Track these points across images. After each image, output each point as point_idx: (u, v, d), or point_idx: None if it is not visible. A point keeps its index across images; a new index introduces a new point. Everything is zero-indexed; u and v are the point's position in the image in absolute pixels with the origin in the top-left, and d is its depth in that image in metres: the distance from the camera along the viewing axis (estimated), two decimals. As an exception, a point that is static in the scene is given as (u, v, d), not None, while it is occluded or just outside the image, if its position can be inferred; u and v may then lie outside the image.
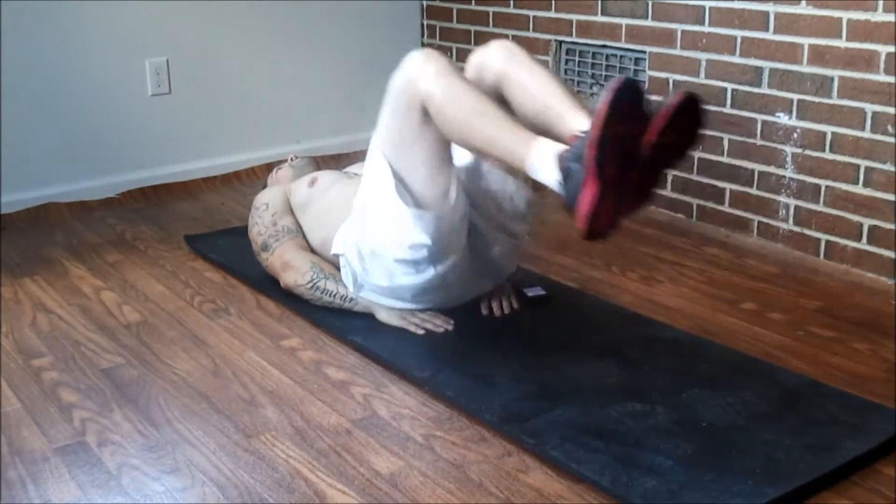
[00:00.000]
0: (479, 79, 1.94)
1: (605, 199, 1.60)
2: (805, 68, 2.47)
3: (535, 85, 1.89)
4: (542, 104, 1.86)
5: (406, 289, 2.01)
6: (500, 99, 1.91)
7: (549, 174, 1.69)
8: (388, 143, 1.94)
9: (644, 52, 2.90)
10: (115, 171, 3.14)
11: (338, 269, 2.15)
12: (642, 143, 1.59)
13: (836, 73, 2.40)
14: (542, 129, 1.80)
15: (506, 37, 3.35)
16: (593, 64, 3.12)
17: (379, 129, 1.97)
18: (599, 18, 3.02)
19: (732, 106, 2.66)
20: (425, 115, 1.86)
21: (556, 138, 1.74)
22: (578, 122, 1.74)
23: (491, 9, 3.40)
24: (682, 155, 1.66)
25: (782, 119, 2.55)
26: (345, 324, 2.10)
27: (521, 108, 1.89)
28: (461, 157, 2.00)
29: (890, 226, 2.34)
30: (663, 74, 2.85)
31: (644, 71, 2.93)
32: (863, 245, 2.41)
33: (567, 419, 1.69)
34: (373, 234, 1.97)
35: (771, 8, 2.52)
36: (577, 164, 1.62)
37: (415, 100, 1.86)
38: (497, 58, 1.95)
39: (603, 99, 1.55)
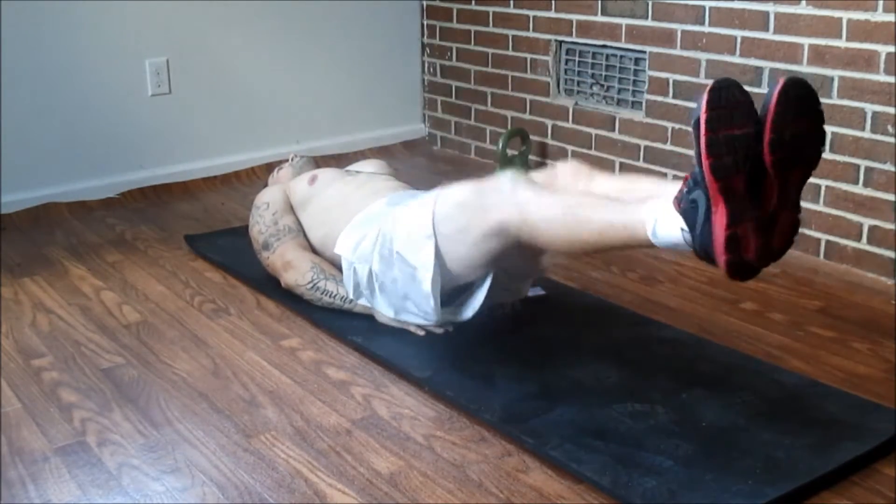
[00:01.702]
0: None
1: (741, 218, 1.43)
2: (805, 68, 2.47)
3: (614, 179, 1.84)
4: (628, 184, 1.79)
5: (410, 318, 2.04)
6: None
7: (671, 226, 1.51)
8: (445, 227, 1.84)
9: (644, 52, 2.90)
10: (115, 171, 3.14)
11: (338, 268, 2.15)
12: (764, 146, 1.42)
13: (836, 73, 2.40)
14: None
15: (505, 37, 3.36)
16: (593, 64, 3.12)
17: (441, 204, 1.85)
18: (599, 18, 3.02)
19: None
20: (500, 236, 1.75)
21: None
22: (676, 186, 1.57)
23: (491, 9, 3.40)
24: (812, 148, 1.46)
25: (782, 119, 2.55)
26: (345, 324, 2.10)
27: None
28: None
29: (890, 226, 2.34)
30: (663, 74, 2.85)
31: (644, 71, 2.93)
32: (863, 245, 2.41)
33: (567, 419, 1.69)
34: (391, 281, 1.98)
35: (771, 8, 2.52)
36: (696, 192, 1.46)
37: (492, 229, 1.75)
38: (566, 174, 1.91)
39: (702, 102, 1.42)
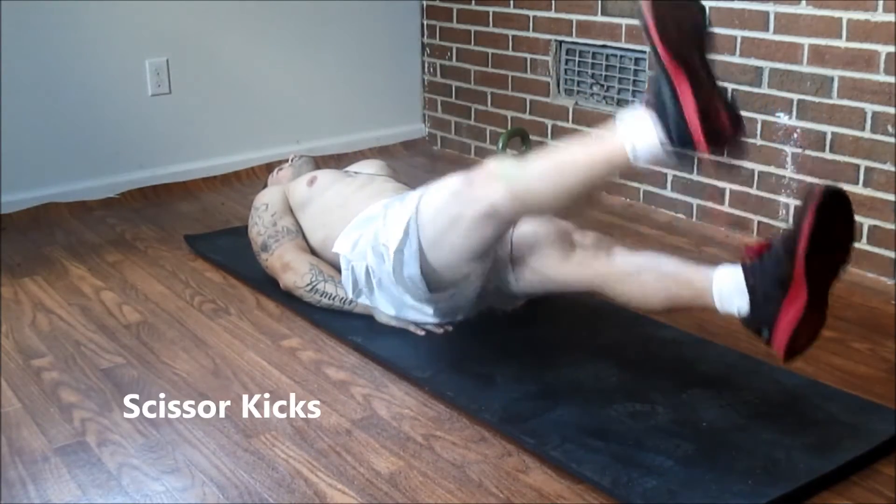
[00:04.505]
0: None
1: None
2: (805, 68, 2.47)
3: (637, 255, 1.90)
4: (651, 260, 1.87)
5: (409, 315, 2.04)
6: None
7: (647, 136, 1.57)
8: (440, 218, 1.85)
9: (644, 52, 2.90)
10: (115, 171, 3.14)
11: (337, 269, 2.15)
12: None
13: (836, 73, 2.40)
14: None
15: (505, 37, 3.36)
16: (593, 64, 3.12)
17: (432, 195, 1.88)
18: (599, 18, 3.02)
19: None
20: (493, 217, 1.77)
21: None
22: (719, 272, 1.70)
23: (491, 9, 3.39)
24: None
25: (782, 119, 2.55)
26: (345, 324, 2.09)
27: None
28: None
29: (890, 226, 2.34)
30: (663, 74, 2.84)
31: (644, 71, 2.93)
32: (863, 245, 2.40)
33: (567, 419, 1.69)
34: (387, 276, 1.98)
35: (771, 8, 2.52)
36: (658, 80, 1.54)
37: (485, 212, 1.76)
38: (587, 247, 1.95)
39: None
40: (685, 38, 1.53)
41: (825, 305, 1.60)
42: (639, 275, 1.83)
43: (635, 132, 1.58)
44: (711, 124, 1.50)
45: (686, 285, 1.75)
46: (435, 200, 1.86)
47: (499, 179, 1.73)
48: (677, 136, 1.52)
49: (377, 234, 1.99)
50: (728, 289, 1.66)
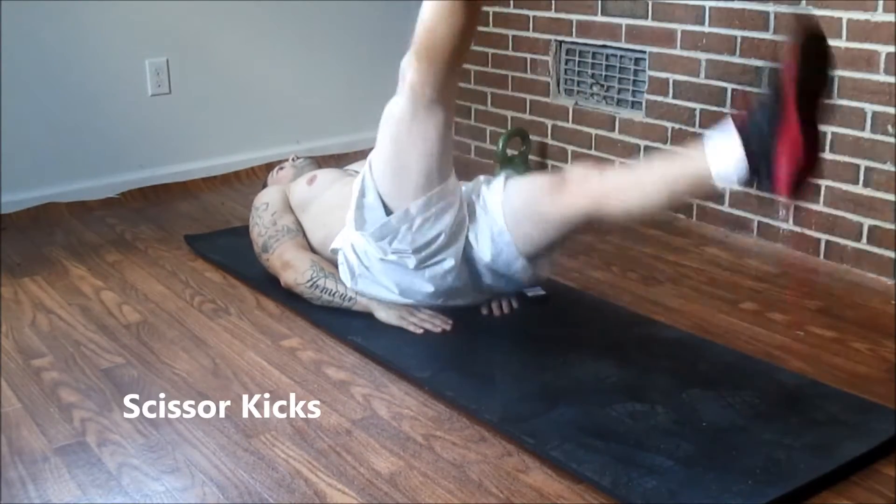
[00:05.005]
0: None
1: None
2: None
3: (624, 174, 1.95)
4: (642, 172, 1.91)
5: (403, 286, 2.02)
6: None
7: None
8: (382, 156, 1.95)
9: (644, 52, 2.90)
10: (115, 171, 3.14)
11: (337, 267, 2.15)
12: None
13: (836, 73, 2.39)
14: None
15: (505, 37, 3.36)
16: (593, 64, 3.12)
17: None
18: (599, 18, 3.02)
19: (733, 106, 2.66)
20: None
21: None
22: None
23: (491, 9, 3.39)
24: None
25: (782, 119, 2.55)
26: (345, 324, 2.09)
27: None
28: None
29: (890, 226, 2.34)
30: (663, 74, 2.85)
31: (644, 71, 2.93)
32: (863, 245, 2.41)
33: (567, 419, 1.69)
34: (359, 238, 2.00)
35: (771, 8, 2.52)
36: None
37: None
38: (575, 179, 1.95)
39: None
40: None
41: (818, 137, 1.63)
42: (634, 181, 1.85)
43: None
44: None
45: (681, 174, 1.77)
46: (377, 146, 1.95)
47: (410, 60, 1.82)
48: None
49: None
50: (723, 153, 1.67)
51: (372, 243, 1.97)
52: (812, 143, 1.60)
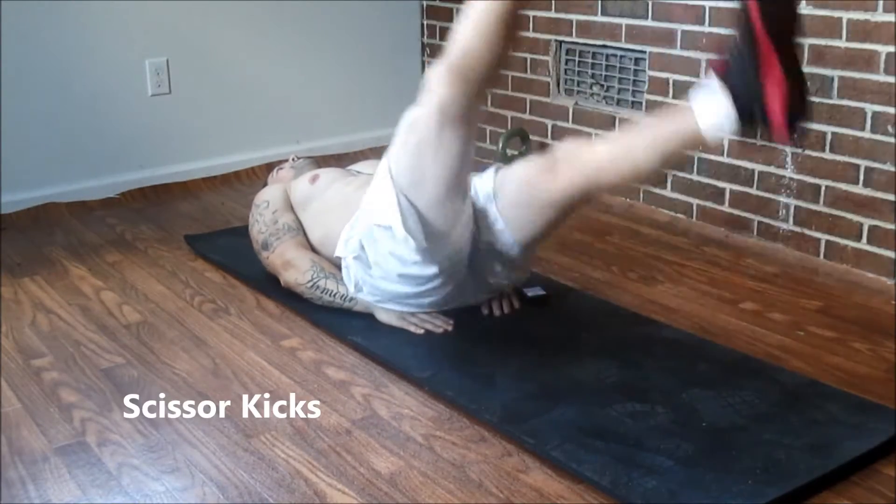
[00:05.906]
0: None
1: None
2: (805, 68, 2.46)
3: (612, 142, 1.93)
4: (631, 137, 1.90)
5: (408, 294, 2.02)
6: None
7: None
8: (402, 168, 1.89)
9: (644, 52, 2.90)
10: (115, 171, 3.14)
11: (338, 267, 2.15)
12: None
13: (836, 73, 2.40)
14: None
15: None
16: (593, 64, 3.12)
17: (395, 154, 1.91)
18: (599, 18, 3.02)
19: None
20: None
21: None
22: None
23: (491, 9, 3.39)
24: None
25: (782, 119, 2.55)
26: (345, 324, 2.09)
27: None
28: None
29: (890, 226, 2.34)
30: (663, 74, 2.85)
31: (644, 71, 2.93)
32: (863, 245, 2.41)
33: (567, 419, 1.69)
34: (377, 250, 1.97)
35: (771, 8, 2.52)
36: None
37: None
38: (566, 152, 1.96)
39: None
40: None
41: (800, 71, 1.64)
42: (626, 149, 1.85)
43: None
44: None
45: (672, 132, 1.77)
46: (396, 147, 1.90)
47: (442, 77, 1.78)
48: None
49: (357, 221, 2.01)
50: (710, 105, 1.68)
51: (408, 248, 1.93)
52: (796, 77, 1.61)
